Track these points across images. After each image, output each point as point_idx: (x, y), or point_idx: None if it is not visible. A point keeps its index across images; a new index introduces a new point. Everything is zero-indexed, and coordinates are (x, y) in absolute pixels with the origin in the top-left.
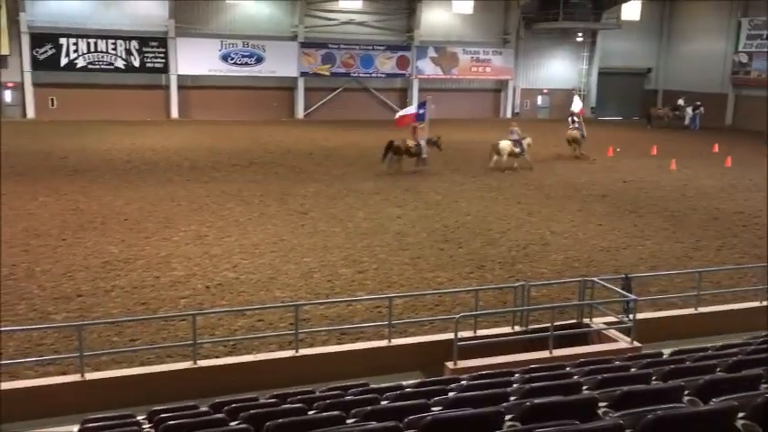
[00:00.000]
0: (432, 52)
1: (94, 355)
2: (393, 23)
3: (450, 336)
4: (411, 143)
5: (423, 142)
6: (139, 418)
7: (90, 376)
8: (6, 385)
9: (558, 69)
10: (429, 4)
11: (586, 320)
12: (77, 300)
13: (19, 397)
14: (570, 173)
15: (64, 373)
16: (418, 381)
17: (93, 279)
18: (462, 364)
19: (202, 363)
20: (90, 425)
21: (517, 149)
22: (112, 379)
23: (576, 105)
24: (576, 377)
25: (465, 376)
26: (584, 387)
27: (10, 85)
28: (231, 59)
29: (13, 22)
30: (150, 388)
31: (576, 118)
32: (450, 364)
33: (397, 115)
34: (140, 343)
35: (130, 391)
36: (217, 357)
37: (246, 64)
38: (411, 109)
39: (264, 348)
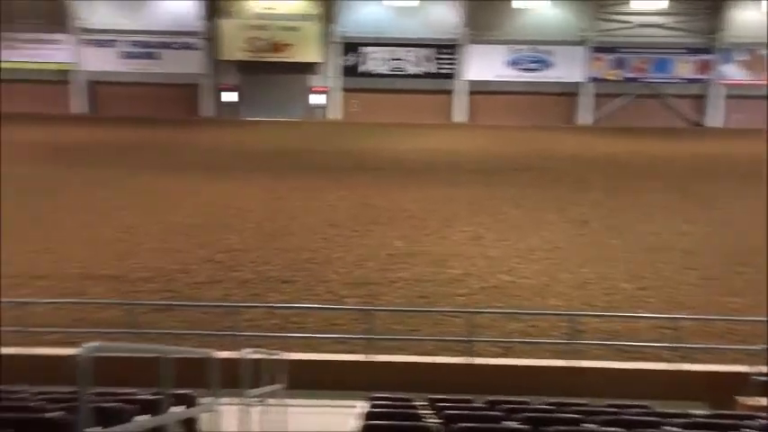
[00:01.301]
0: (739, 55)
1: (378, 340)
2: (693, 25)
3: (745, 368)
4: None
5: None
6: (416, 403)
7: (375, 358)
8: (303, 356)
9: None
10: (738, 2)
11: None
12: (366, 287)
13: (313, 367)
14: None
15: (352, 352)
16: (708, 412)
17: (380, 269)
18: (759, 401)
19: (477, 360)
20: (378, 402)
21: None
22: (395, 364)
23: None
24: None
25: (763, 414)
26: None
27: (320, 89)
28: (518, 65)
29: (325, 33)
30: (427, 377)
31: None
32: (743, 400)
33: None
34: (420, 334)
35: (409, 377)
36: (489, 357)
37: (532, 69)
38: None
39: (537, 355)
